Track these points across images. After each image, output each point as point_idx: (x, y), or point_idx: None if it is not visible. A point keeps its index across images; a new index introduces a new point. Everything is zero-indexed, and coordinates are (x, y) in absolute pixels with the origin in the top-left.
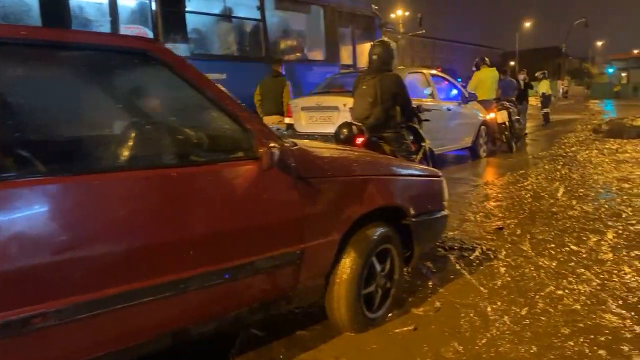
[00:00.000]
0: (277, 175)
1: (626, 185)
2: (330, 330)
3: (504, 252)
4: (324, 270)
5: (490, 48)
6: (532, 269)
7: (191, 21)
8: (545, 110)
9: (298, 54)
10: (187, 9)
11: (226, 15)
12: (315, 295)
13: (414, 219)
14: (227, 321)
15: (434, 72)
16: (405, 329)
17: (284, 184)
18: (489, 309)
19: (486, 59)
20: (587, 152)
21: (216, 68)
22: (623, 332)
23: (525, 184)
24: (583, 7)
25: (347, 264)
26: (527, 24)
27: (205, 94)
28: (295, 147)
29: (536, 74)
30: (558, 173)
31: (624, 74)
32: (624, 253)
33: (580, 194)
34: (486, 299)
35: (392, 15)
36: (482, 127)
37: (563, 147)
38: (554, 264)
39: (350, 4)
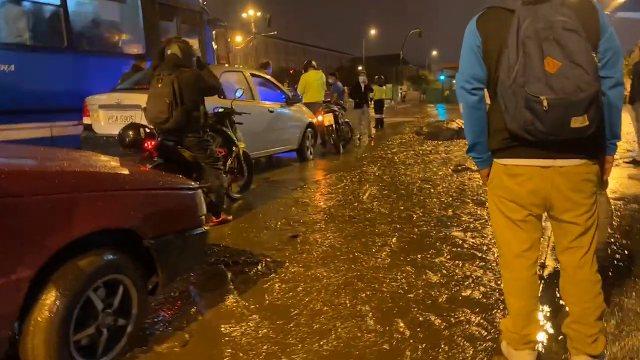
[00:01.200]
0: None
1: (426, 186)
2: None
3: (287, 264)
4: (9, 317)
5: (340, 53)
6: (308, 282)
7: None
8: (379, 115)
9: (112, 46)
10: None
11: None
12: None
13: (154, 241)
14: None
15: (254, 71)
16: None
17: None
18: (243, 337)
19: (313, 62)
20: (405, 153)
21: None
22: (371, 350)
23: (339, 186)
24: (422, 18)
25: (46, 306)
26: (373, 32)
27: None
28: None
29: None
30: (372, 175)
31: (454, 81)
32: (401, 258)
33: (384, 195)
34: (245, 323)
35: (244, 15)
36: (309, 129)
37: (386, 149)
38: (332, 275)
39: None
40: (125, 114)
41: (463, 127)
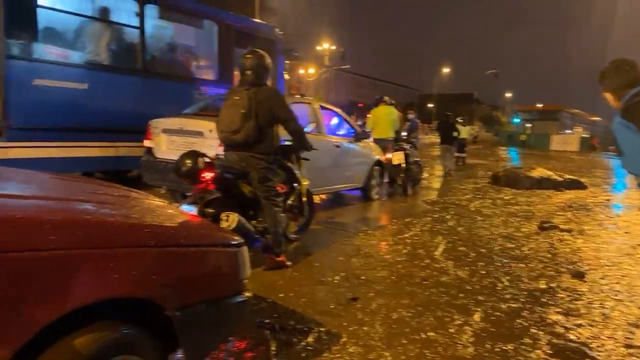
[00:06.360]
0: None
1: (509, 245)
2: None
3: (344, 339)
4: None
5: (409, 89)
6: None
7: (46, 19)
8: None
9: (185, 71)
10: (39, 3)
11: (94, 17)
12: None
13: (179, 313)
14: None
15: (322, 104)
16: None
17: None
18: None
19: (386, 97)
20: (481, 202)
21: (74, 76)
22: None
23: (407, 236)
24: (498, 59)
25: None
26: (446, 70)
27: None
28: None
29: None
30: (445, 224)
31: (528, 125)
32: (487, 346)
33: (460, 253)
34: None
35: (319, 48)
36: (376, 167)
37: (458, 194)
38: None
39: (250, 25)
40: (186, 141)
41: (545, 176)
